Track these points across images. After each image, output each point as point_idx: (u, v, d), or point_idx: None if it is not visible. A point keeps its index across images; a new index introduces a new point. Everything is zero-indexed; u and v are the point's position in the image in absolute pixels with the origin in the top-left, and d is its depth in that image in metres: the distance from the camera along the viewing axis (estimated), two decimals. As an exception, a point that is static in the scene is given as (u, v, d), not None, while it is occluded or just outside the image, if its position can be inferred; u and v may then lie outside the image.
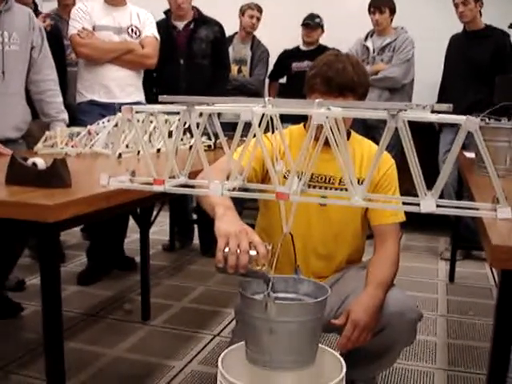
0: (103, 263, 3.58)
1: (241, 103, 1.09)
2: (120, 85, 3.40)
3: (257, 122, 1.02)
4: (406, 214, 1.88)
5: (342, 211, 1.92)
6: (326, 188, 1.89)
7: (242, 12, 4.67)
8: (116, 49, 3.34)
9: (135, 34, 3.39)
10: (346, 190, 1.02)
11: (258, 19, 4.67)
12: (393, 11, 4.42)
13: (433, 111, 0.92)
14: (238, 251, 1.32)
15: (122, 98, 3.33)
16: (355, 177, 1.03)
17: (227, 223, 1.42)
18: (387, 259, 1.87)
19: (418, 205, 0.96)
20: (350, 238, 1.99)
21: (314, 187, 1.86)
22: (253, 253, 1.33)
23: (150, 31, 3.45)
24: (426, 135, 3.51)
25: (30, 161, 1.67)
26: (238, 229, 1.37)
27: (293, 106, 1.12)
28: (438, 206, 0.95)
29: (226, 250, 1.33)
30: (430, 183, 0.94)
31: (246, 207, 4.11)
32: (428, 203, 0.95)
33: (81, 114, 3.32)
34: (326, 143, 1.02)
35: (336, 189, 1.88)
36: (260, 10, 4.67)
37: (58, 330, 1.56)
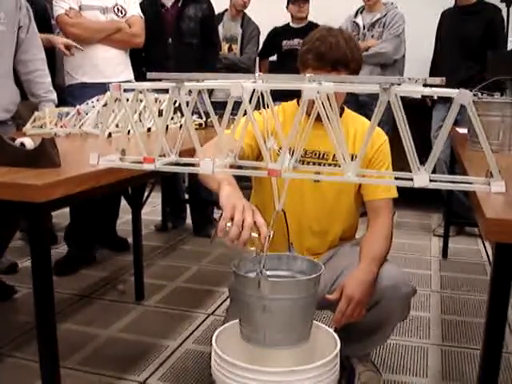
0: (84, 249, 3.42)
1: (231, 79, 1.07)
2: (110, 64, 3.35)
3: (247, 97, 1.01)
4: (399, 191, 1.89)
5: (336, 187, 1.92)
6: (319, 164, 1.88)
7: (233, -11, 4.59)
8: (105, 28, 3.30)
9: (121, 13, 3.35)
10: (340, 166, 1.01)
11: (250, -3, 4.60)
12: (381, -14, 4.37)
13: (425, 85, 0.91)
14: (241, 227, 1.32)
15: (113, 77, 3.27)
16: (348, 153, 1.01)
17: (235, 197, 1.42)
18: (380, 234, 1.88)
19: (412, 180, 0.95)
20: (343, 215, 1.98)
21: (308, 163, 1.85)
22: (254, 235, 1.33)
23: (136, 10, 3.43)
24: (418, 113, 3.49)
25: (18, 141, 1.65)
26: (246, 205, 1.37)
27: (284, 82, 1.10)
28: (431, 180, 0.94)
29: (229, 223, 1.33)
30: (422, 161, 0.93)
31: (241, 187, 4.09)
32: (421, 178, 0.94)
33: (71, 97, 3.26)
34: (320, 119, 1.01)
35: (330, 165, 1.87)
36: None
37: (50, 311, 1.55)
